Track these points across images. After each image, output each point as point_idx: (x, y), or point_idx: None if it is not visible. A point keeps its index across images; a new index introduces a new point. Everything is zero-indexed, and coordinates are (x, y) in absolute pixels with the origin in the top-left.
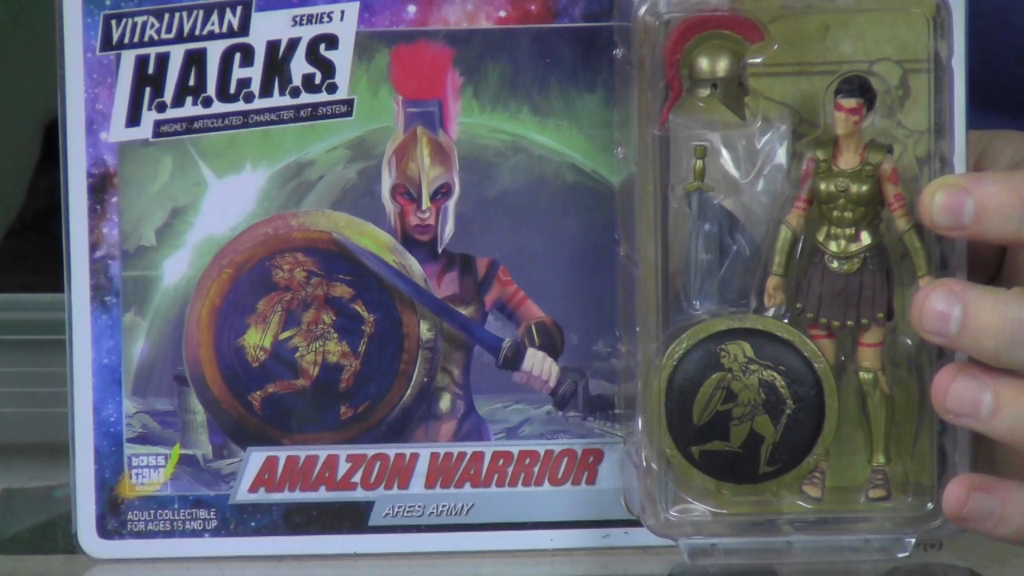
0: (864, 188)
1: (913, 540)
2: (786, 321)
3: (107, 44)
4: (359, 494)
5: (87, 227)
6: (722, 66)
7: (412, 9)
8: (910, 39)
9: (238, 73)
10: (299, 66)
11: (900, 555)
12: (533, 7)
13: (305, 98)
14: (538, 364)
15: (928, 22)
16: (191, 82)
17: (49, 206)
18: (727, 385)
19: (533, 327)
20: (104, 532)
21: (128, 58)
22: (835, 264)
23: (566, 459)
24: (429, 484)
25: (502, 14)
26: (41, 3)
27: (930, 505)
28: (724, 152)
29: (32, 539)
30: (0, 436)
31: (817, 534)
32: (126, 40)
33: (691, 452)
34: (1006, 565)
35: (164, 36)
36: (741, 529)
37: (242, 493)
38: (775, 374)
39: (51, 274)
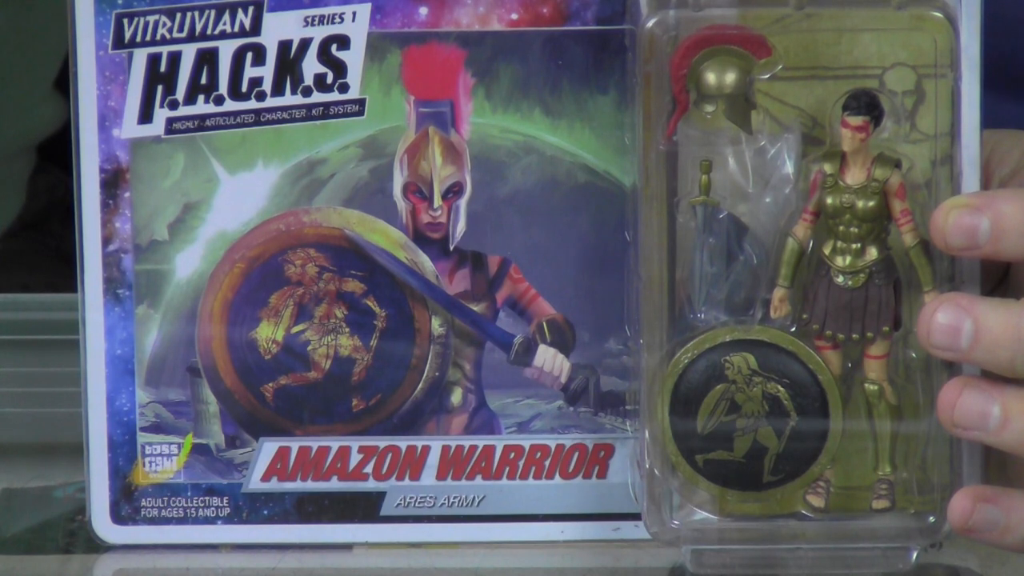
0: (870, 204)
1: (916, 552)
2: (792, 331)
3: (119, 42)
4: (371, 484)
5: (100, 222)
6: (729, 81)
7: (424, 11)
8: (924, 44)
9: (250, 72)
10: (311, 66)
11: (903, 567)
12: (545, 10)
13: (317, 97)
14: (549, 360)
15: (942, 31)
16: (203, 80)
17: (48, 206)
18: (731, 397)
19: (544, 324)
20: (118, 518)
21: (140, 56)
22: (840, 279)
23: (577, 453)
24: (440, 476)
25: (514, 17)
26: (43, 4)
27: (932, 519)
28: (733, 162)
29: (32, 539)
30: (0, 436)
31: (820, 544)
32: (138, 39)
33: (695, 460)
34: (1006, 565)
35: (176, 35)
36: (744, 537)
37: (254, 482)
38: (779, 387)
39: (51, 274)
